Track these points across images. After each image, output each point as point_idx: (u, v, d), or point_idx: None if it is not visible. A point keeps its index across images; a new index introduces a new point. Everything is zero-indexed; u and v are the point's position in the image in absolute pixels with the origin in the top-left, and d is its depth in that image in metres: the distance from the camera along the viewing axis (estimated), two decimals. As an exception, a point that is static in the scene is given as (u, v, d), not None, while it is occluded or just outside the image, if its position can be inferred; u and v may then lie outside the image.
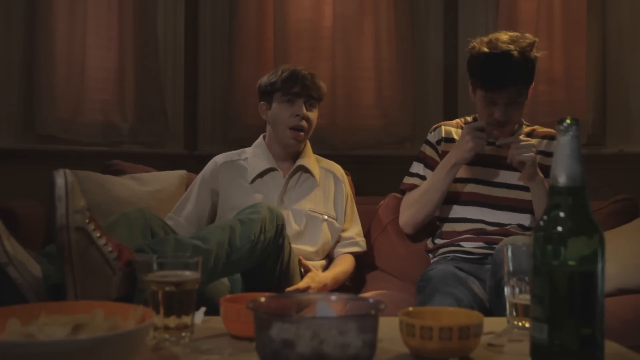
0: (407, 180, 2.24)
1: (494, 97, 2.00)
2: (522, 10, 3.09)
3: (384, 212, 2.41)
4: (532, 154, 1.96)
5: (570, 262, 0.89)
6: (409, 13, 3.22)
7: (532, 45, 1.98)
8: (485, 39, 2.00)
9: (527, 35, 2.02)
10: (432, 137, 2.24)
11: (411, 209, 2.20)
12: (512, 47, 1.94)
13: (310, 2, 3.22)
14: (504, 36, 1.99)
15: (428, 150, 2.23)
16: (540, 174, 2.00)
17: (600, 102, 2.99)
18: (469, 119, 2.25)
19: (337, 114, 3.18)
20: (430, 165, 2.20)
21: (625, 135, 2.99)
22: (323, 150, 2.79)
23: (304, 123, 2.15)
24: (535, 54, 2.00)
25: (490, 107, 2.02)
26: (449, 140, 2.20)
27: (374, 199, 2.50)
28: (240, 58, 3.25)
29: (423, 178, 2.20)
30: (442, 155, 2.17)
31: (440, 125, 2.25)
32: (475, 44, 2.03)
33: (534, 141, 2.08)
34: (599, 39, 2.98)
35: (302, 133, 2.16)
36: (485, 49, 1.97)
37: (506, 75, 1.95)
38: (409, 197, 2.22)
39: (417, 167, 2.24)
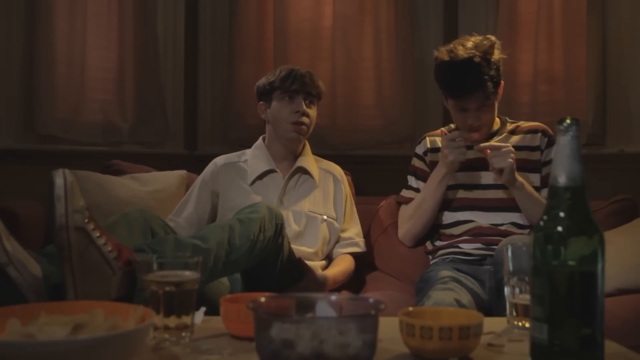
0: (404, 193, 2.27)
1: (463, 104, 2.01)
2: (522, 11, 3.09)
3: (384, 213, 2.41)
4: (510, 160, 1.94)
5: (570, 262, 0.89)
6: (409, 13, 3.22)
7: (492, 46, 1.98)
8: (447, 48, 2.01)
9: (489, 37, 2.02)
10: (418, 149, 2.27)
11: (408, 222, 2.23)
12: (473, 52, 1.95)
13: (310, 2, 3.22)
14: (466, 42, 1.99)
15: (417, 163, 2.26)
16: (520, 179, 1.99)
17: (600, 102, 2.98)
18: (452, 126, 2.25)
19: (337, 114, 3.18)
20: (421, 176, 2.23)
21: (625, 135, 2.99)
22: (323, 150, 2.79)
23: (304, 119, 2.17)
24: (500, 55, 2.01)
25: (462, 114, 2.04)
26: (435, 150, 2.22)
27: (374, 199, 2.50)
28: (240, 58, 3.25)
29: (417, 190, 2.23)
30: (430, 165, 2.20)
31: (425, 137, 2.27)
32: (437, 54, 2.04)
33: (515, 139, 2.10)
34: (599, 39, 2.98)
35: (304, 127, 2.18)
36: (446, 58, 1.98)
37: (470, 81, 1.95)
38: (405, 211, 2.25)
39: (410, 180, 2.27)
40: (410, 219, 2.22)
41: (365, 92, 3.22)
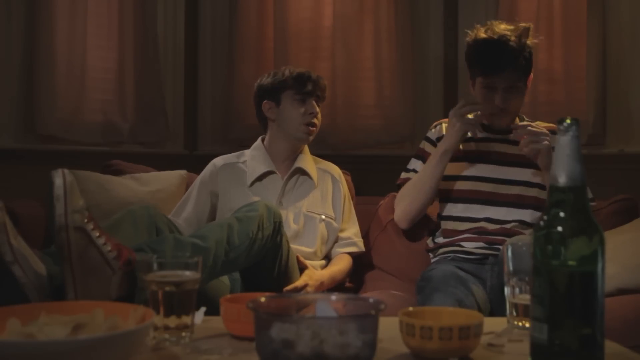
0: (403, 175, 2.22)
1: (494, 82, 2.01)
2: (522, 10, 3.10)
3: (383, 212, 2.40)
4: (546, 143, 1.94)
5: (570, 262, 0.89)
6: (409, 13, 3.22)
7: (527, 30, 2.03)
8: (483, 27, 2.05)
9: (522, 23, 2.06)
10: (432, 134, 2.22)
11: (404, 201, 2.17)
12: (508, 32, 2.00)
13: (310, 2, 3.22)
14: (500, 25, 2.04)
15: (427, 147, 2.20)
16: None
17: (600, 102, 2.98)
18: (470, 116, 2.23)
19: (337, 114, 3.18)
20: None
21: (625, 135, 2.99)
22: (323, 150, 2.79)
23: (315, 120, 2.21)
24: (533, 40, 2.04)
25: (490, 94, 2.03)
26: None
27: (374, 199, 2.49)
28: (240, 58, 3.25)
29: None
30: None
31: (440, 123, 2.22)
32: (472, 32, 2.07)
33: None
34: (599, 39, 2.98)
35: (314, 128, 2.21)
36: (483, 35, 2.02)
37: (504, 58, 1.98)
38: (402, 191, 2.20)
39: (414, 164, 2.21)
40: (405, 198, 2.16)
41: (365, 92, 3.22)
